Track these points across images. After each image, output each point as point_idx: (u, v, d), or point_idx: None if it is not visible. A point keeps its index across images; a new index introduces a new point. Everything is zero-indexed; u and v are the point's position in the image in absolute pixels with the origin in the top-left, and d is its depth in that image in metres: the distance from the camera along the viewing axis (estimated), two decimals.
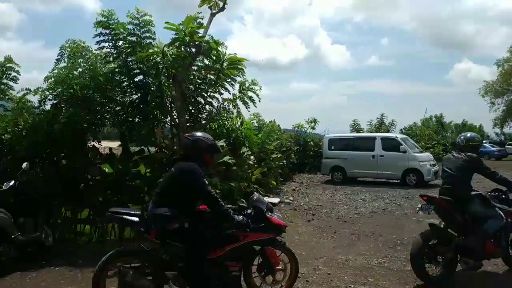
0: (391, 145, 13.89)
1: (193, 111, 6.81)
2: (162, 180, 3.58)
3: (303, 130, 18.87)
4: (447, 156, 4.74)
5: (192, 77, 6.56)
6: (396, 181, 13.82)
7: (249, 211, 3.63)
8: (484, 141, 41.77)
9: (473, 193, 4.35)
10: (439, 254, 4.22)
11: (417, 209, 4.56)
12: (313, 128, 18.85)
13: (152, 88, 6.27)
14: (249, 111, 6.98)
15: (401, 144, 13.63)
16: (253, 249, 3.70)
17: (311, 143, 18.49)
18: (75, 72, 6.04)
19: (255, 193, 3.84)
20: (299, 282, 4.29)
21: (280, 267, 3.81)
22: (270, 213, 3.66)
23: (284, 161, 13.24)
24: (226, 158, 6.45)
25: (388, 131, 21.62)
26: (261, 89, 6.64)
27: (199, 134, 3.59)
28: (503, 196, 4.47)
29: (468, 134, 4.78)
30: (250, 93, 6.64)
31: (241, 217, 3.46)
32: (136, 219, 3.34)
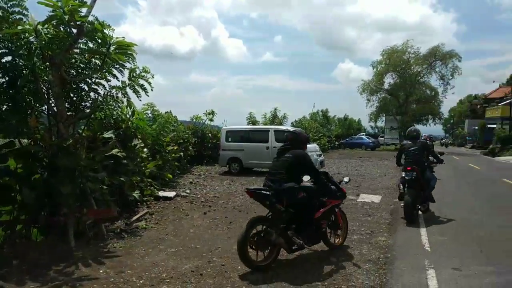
0: (283, 137, 14.66)
1: (75, 98, 6.11)
2: (279, 163, 4.74)
3: (201, 122, 18.69)
4: (406, 142, 7.50)
5: (73, 60, 5.88)
6: None
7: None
8: (361, 134, 47.32)
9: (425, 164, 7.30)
10: (418, 203, 7.02)
11: (403, 174, 7.12)
12: (211, 120, 18.79)
13: (24, 71, 5.44)
14: (140, 100, 6.54)
15: None
16: (334, 211, 5.15)
17: (209, 135, 18.45)
18: None
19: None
20: (192, 277, 4.24)
21: (341, 225, 5.34)
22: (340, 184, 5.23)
23: (181, 154, 12.94)
24: (114, 151, 5.99)
25: (281, 123, 22.83)
26: (153, 77, 6.27)
27: (298, 130, 5.57)
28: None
29: (413, 128, 7.87)
30: (141, 81, 6.21)
31: (333, 187, 5.05)
32: (268, 193, 4.49)
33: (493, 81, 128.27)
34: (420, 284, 4.14)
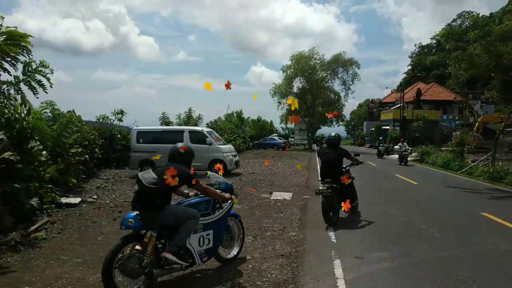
0: (198, 138, 14.57)
1: None
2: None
3: (108, 122, 17.50)
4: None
5: None
6: (204, 171, 14.59)
7: None
8: (273, 135, 49.20)
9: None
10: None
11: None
12: (120, 120, 17.70)
13: None
14: (38, 97, 5.90)
15: (207, 137, 14.49)
16: None
17: (118, 136, 17.38)
18: None
19: None
20: (102, 287, 3.96)
21: None
22: None
23: (87, 156, 11.97)
24: (6, 154, 5.32)
25: (196, 124, 22.56)
26: (53, 72, 5.71)
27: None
28: None
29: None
30: (38, 77, 5.61)
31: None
32: None
33: (386, 87, 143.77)
34: (328, 274, 4.46)
